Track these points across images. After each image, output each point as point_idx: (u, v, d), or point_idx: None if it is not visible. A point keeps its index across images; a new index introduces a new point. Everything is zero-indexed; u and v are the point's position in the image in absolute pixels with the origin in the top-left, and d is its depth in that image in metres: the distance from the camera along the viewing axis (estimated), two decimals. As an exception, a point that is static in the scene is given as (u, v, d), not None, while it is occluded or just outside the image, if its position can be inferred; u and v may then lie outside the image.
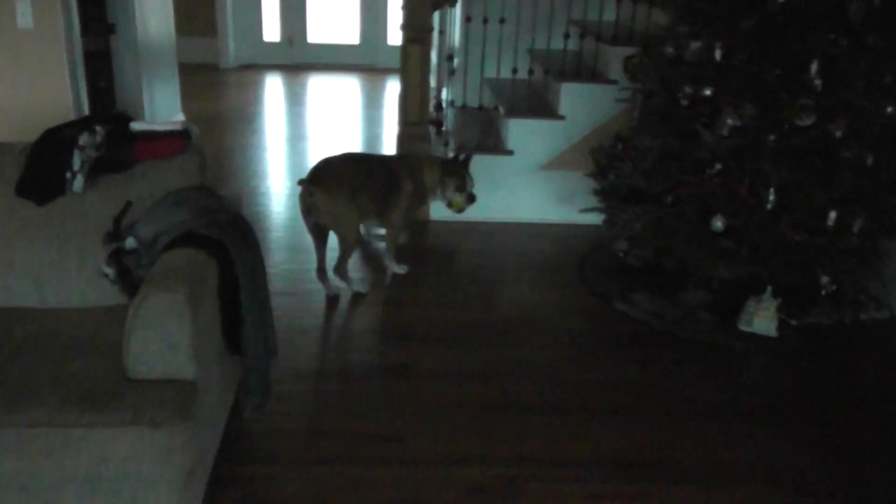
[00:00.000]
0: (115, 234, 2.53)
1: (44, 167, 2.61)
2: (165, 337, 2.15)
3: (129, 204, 2.59)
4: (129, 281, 2.49)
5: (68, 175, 2.58)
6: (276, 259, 4.45)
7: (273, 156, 6.57)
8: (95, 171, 2.62)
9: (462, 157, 4.24)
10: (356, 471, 2.72)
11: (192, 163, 2.72)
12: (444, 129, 5.37)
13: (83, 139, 2.58)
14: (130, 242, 2.49)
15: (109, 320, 2.48)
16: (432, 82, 5.45)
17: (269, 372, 2.69)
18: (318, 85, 9.40)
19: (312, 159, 6.43)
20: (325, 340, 3.64)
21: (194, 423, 2.16)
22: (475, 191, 4.29)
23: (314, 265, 4.03)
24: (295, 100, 8.67)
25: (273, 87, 9.28)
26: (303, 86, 9.31)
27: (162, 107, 5.55)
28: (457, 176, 4.16)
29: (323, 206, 3.74)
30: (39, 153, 2.63)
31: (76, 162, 2.57)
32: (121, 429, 2.05)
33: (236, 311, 2.46)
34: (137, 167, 2.68)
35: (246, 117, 7.75)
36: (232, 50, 9.88)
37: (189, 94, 8.01)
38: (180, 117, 6.14)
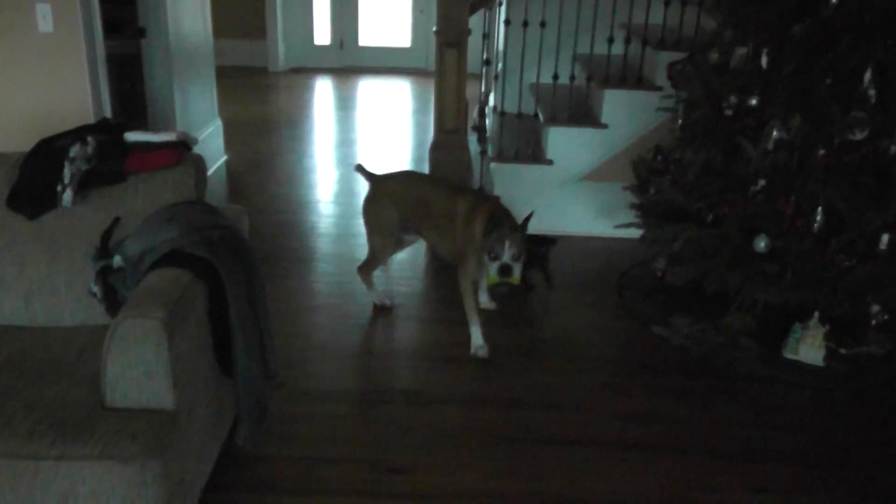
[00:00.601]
0: (104, 251, 2.42)
1: (35, 180, 2.52)
2: (142, 364, 2.04)
3: (117, 220, 2.48)
4: (114, 301, 2.38)
5: (59, 188, 2.48)
6: (317, 267, 4.36)
7: (320, 162, 6.50)
8: (86, 184, 2.52)
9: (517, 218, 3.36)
10: (358, 501, 2.56)
11: (187, 176, 2.60)
12: (486, 135, 5.20)
13: (74, 151, 2.48)
14: (117, 260, 2.37)
15: (97, 342, 2.35)
16: (479, 87, 5.30)
17: (265, 398, 2.55)
18: (369, 88, 9.32)
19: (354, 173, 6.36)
20: (343, 359, 3.48)
21: (170, 457, 2.03)
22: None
23: (353, 280, 4.00)
24: (344, 104, 8.59)
25: (323, 90, 9.22)
26: (353, 89, 9.24)
27: (196, 112, 5.48)
28: (498, 237, 3.19)
29: (364, 204, 3.80)
30: (31, 165, 2.55)
31: (66, 175, 2.47)
32: (89, 462, 1.94)
33: (227, 335, 2.32)
34: (130, 180, 2.57)
35: (293, 121, 7.70)
36: (282, 53, 9.85)
37: (235, 98, 8.04)
38: (217, 123, 6.08)
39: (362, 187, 5.83)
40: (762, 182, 3.40)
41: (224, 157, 6.23)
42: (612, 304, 4.06)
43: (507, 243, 3.14)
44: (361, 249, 4.63)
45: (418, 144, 7.02)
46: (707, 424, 3.08)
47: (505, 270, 3.16)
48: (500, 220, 3.22)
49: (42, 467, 1.95)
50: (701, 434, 3.01)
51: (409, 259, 4.51)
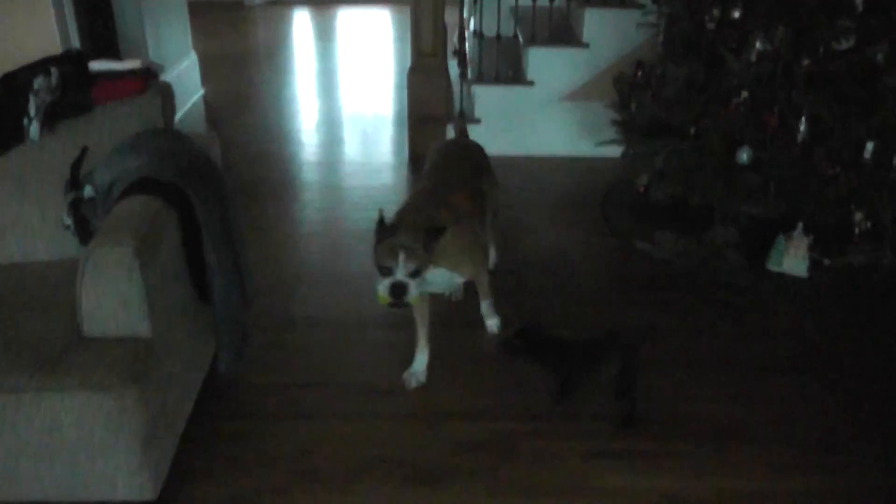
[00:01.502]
0: (74, 182, 2.38)
1: (1, 114, 2.45)
2: (116, 293, 2.02)
3: (85, 150, 2.43)
4: (88, 231, 2.35)
5: (24, 121, 2.43)
6: (305, 198, 4.34)
7: (300, 93, 6.40)
8: (52, 116, 2.46)
9: (385, 219, 2.49)
10: (342, 426, 2.58)
11: (154, 104, 2.54)
12: (466, 59, 5.11)
13: (37, 83, 2.42)
14: (88, 191, 2.33)
15: (73, 275, 2.30)
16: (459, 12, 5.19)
17: (244, 326, 2.54)
18: (348, 18, 9.14)
19: (343, 97, 6.30)
20: (326, 286, 3.46)
21: (149, 384, 2.03)
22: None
23: (336, 207, 3.91)
24: (323, 35, 8.44)
25: (301, 22, 9.04)
26: (331, 20, 9.06)
27: (170, 47, 5.37)
28: (388, 247, 2.41)
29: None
30: (-3, 100, 2.48)
31: (31, 107, 2.42)
32: (69, 393, 1.94)
33: (202, 260, 2.30)
34: (97, 110, 2.51)
35: (271, 54, 7.57)
36: (257, -15, 9.63)
37: (212, 34, 7.89)
38: (192, 57, 5.97)
39: (344, 116, 5.80)
40: (745, 94, 3.37)
41: (201, 92, 6.13)
42: (596, 222, 4.04)
43: (401, 256, 2.38)
44: (346, 177, 4.63)
45: (400, 71, 6.92)
46: (690, 335, 3.09)
47: (397, 290, 2.40)
48: (405, 219, 2.52)
49: (23, 400, 1.94)
50: (684, 345, 3.03)
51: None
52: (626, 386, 2.56)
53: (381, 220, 2.45)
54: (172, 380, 2.21)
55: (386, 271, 2.40)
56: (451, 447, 2.50)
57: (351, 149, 5.19)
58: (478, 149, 3.22)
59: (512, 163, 4.75)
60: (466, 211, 2.74)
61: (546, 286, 3.45)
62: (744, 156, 3.33)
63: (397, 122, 5.60)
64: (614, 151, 4.17)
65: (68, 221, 2.39)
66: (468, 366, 2.91)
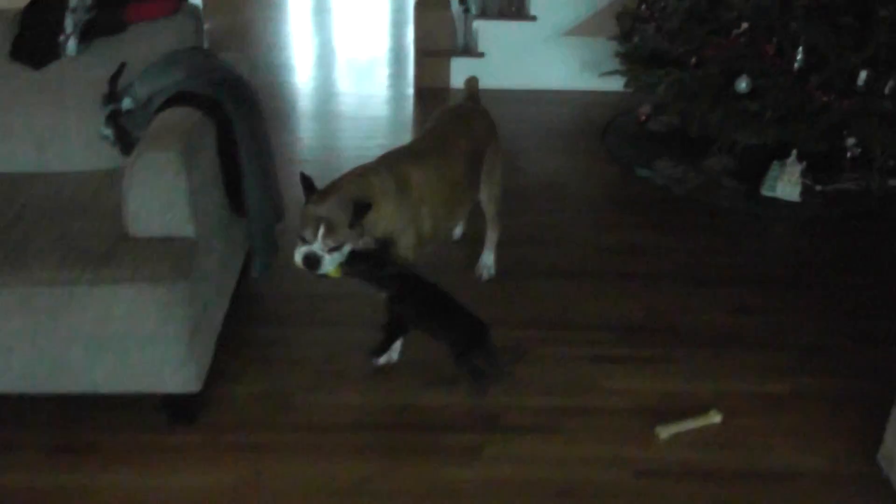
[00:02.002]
0: (112, 95, 2.50)
1: (37, 31, 2.56)
2: (162, 195, 2.14)
3: (123, 65, 2.54)
4: (127, 142, 2.47)
5: (61, 38, 2.53)
6: (299, 127, 4.43)
7: (300, 28, 6.47)
8: (88, 33, 2.56)
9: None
10: (363, 333, 2.72)
11: (187, 24, 2.65)
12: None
13: (73, 1, 2.51)
14: (127, 103, 2.45)
15: (110, 183, 2.47)
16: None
17: (273, 232, 2.68)
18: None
19: (336, 33, 6.36)
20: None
21: (195, 280, 2.17)
22: None
23: (334, 134, 3.98)
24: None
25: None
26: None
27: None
28: (309, 213, 2.24)
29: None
30: (32, 17, 2.58)
31: (68, 25, 2.52)
32: (121, 285, 2.07)
33: (236, 171, 2.43)
34: (132, 29, 2.61)
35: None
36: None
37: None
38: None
39: (344, 51, 5.89)
40: (745, 25, 3.49)
41: (206, 25, 6.16)
42: (598, 151, 4.20)
43: (321, 230, 2.18)
44: (344, 107, 4.73)
45: (396, 9, 6.98)
46: (688, 254, 3.27)
47: (311, 261, 2.22)
48: (341, 185, 2.28)
49: (76, 293, 2.07)
50: (683, 263, 3.21)
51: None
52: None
53: (307, 184, 2.25)
54: (212, 280, 2.35)
55: (302, 240, 2.22)
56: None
57: (351, 82, 5.30)
58: (483, 118, 2.85)
59: (515, 96, 4.88)
60: (422, 185, 2.42)
61: (546, 207, 3.62)
62: (742, 84, 3.46)
63: (396, 58, 5.71)
64: (615, 85, 4.29)
65: (106, 132, 2.51)
66: (473, 277, 3.07)
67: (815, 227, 3.50)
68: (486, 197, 2.92)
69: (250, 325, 2.76)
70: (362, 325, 2.77)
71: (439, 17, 4.89)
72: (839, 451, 2.29)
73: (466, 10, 4.99)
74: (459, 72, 4.91)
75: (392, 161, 2.45)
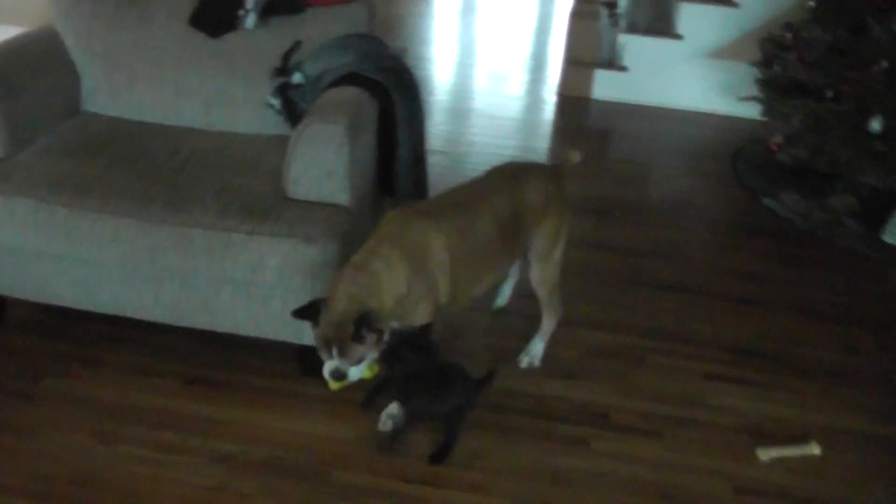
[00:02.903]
0: (284, 69, 2.69)
1: (218, 3, 2.76)
2: (324, 164, 2.31)
3: (298, 43, 2.72)
4: (294, 112, 2.65)
5: (241, 12, 2.73)
6: (435, 120, 4.59)
7: (446, 29, 6.68)
8: (267, 11, 2.75)
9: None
10: (484, 317, 2.87)
11: (361, 12, 2.80)
12: (616, 10, 5.24)
13: (258, -21, 2.72)
14: (297, 77, 2.64)
15: (271, 147, 2.65)
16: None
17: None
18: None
19: (480, 33, 6.53)
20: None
21: (344, 244, 2.31)
22: None
23: (470, 130, 4.13)
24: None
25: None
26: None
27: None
28: (318, 336, 2.09)
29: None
30: (214, -10, 2.79)
31: (249, 0, 2.72)
32: (278, 239, 2.25)
33: (392, 151, 2.60)
34: (308, 12, 2.78)
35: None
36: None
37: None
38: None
39: (483, 48, 6.05)
40: (884, 63, 3.46)
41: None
42: (726, 175, 4.22)
43: (334, 351, 2.04)
44: (483, 106, 4.86)
45: (542, 15, 7.09)
46: (804, 287, 3.28)
47: (339, 375, 2.10)
48: (336, 297, 2.05)
49: (233, 240, 2.26)
50: (798, 294, 3.22)
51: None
52: (454, 422, 2.30)
53: (310, 307, 2.08)
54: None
55: (326, 354, 2.08)
56: (585, 350, 2.79)
57: (491, 83, 5.46)
58: (542, 182, 2.44)
59: (652, 112, 4.98)
60: (438, 251, 2.18)
61: (669, 223, 3.69)
62: (875, 124, 3.44)
63: (537, 65, 5.84)
64: (749, 112, 4.32)
65: (273, 102, 2.70)
66: (605, 285, 3.17)
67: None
68: (538, 279, 2.55)
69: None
70: (480, 310, 2.90)
71: (586, 28, 4.99)
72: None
73: (616, 24, 5.05)
74: (602, 83, 5.02)
75: (400, 227, 2.18)
